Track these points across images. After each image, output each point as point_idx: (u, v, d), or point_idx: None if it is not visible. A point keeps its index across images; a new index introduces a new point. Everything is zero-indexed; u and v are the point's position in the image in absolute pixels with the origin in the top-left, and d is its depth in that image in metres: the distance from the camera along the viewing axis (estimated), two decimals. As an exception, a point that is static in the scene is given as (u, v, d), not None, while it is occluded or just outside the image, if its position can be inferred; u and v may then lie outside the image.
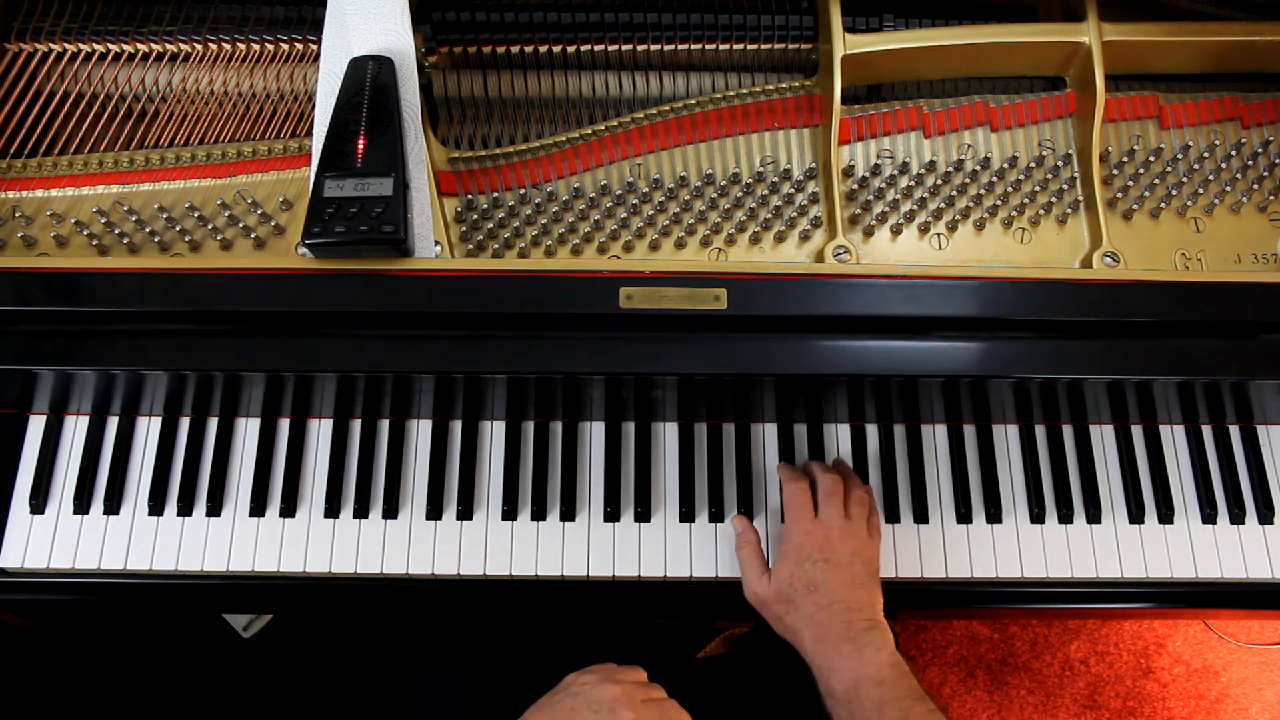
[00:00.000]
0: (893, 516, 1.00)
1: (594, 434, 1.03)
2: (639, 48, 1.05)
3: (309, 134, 1.00)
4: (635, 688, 0.85)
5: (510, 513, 0.99)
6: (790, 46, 1.05)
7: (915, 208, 1.02)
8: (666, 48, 1.05)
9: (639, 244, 1.00)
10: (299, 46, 1.03)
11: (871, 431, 1.03)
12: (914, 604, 1.01)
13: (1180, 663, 1.78)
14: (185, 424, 1.02)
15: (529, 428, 1.03)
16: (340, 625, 1.37)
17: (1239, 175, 1.04)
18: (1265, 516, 1.02)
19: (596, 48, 1.04)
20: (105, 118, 1.03)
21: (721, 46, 1.05)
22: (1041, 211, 1.02)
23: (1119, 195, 1.03)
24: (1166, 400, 1.00)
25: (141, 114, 1.04)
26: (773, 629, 0.92)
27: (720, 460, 1.01)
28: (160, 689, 1.31)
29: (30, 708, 1.26)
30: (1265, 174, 1.05)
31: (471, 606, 1.01)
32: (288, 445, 1.01)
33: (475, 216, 1.00)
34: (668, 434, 1.03)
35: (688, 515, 1.00)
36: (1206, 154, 1.04)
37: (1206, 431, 1.05)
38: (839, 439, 1.03)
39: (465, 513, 0.99)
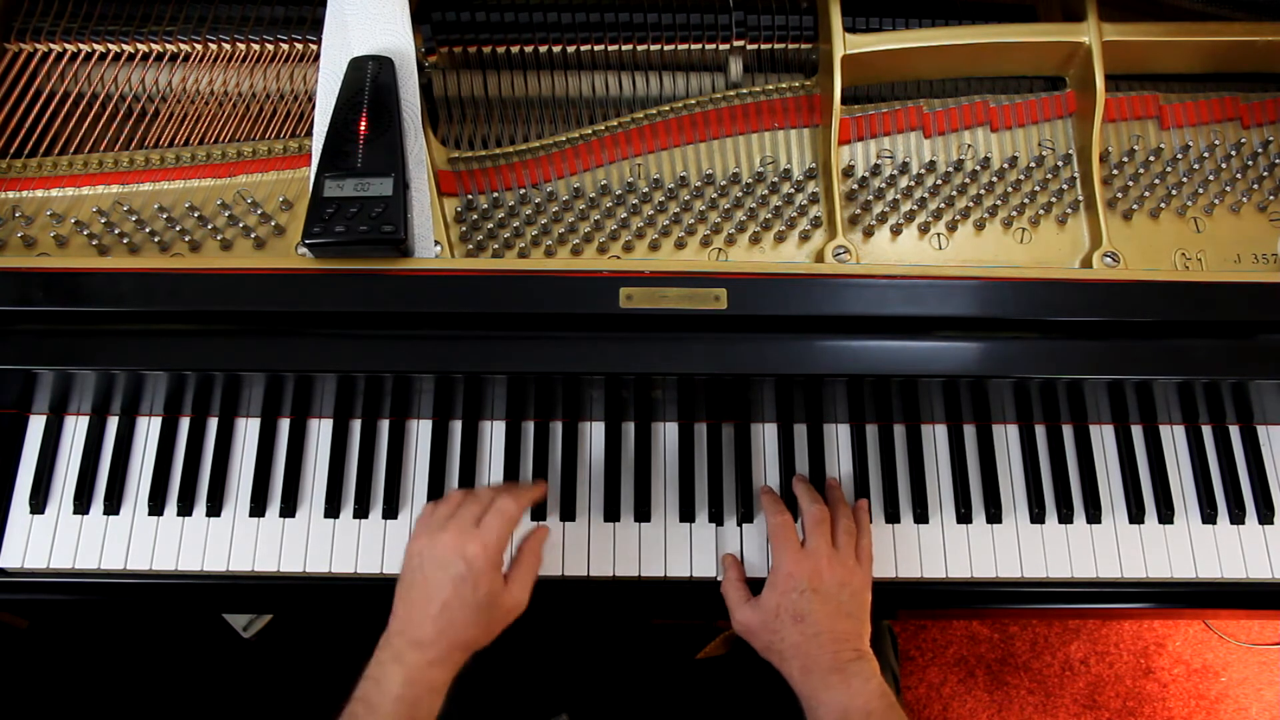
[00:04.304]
0: (893, 516, 1.00)
1: (594, 434, 1.03)
2: (639, 48, 1.05)
3: (309, 134, 1.00)
4: (460, 521, 0.84)
5: (510, 513, 0.99)
6: (790, 46, 1.05)
7: (915, 208, 1.02)
8: (666, 48, 1.05)
9: (639, 244, 1.00)
10: (299, 46, 1.03)
11: (871, 431, 1.03)
12: (914, 604, 1.01)
13: (1180, 663, 1.78)
14: (185, 424, 1.02)
15: (529, 427, 1.03)
16: (340, 625, 1.37)
17: (1239, 175, 1.04)
18: (1265, 516, 1.02)
19: (596, 48, 1.04)
20: (105, 118, 1.03)
21: (721, 46, 1.05)
22: (1041, 211, 1.02)
23: (1119, 195, 1.03)
24: (1166, 400, 1.00)
25: (141, 114, 1.04)
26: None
27: (720, 460, 1.01)
28: (160, 689, 1.31)
29: (30, 708, 1.26)
30: (1265, 174, 1.05)
31: (471, 606, 1.01)
32: (288, 445, 1.01)
33: (475, 216, 1.00)
34: (667, 434, 1.03)
35: (688, 515, 1.00)
36: (1206, 154, 1.04)
37: (1206, 431, 1.05)
38: (839, 439, 1.04)
39: (465, 513, 0.99)
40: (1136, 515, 1.01)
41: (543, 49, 1.04)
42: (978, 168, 1.03)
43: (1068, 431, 1.04)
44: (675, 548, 0.99)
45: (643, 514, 0.99)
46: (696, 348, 0.91)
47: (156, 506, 0.99)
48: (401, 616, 0.83)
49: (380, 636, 0.83)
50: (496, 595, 0.84)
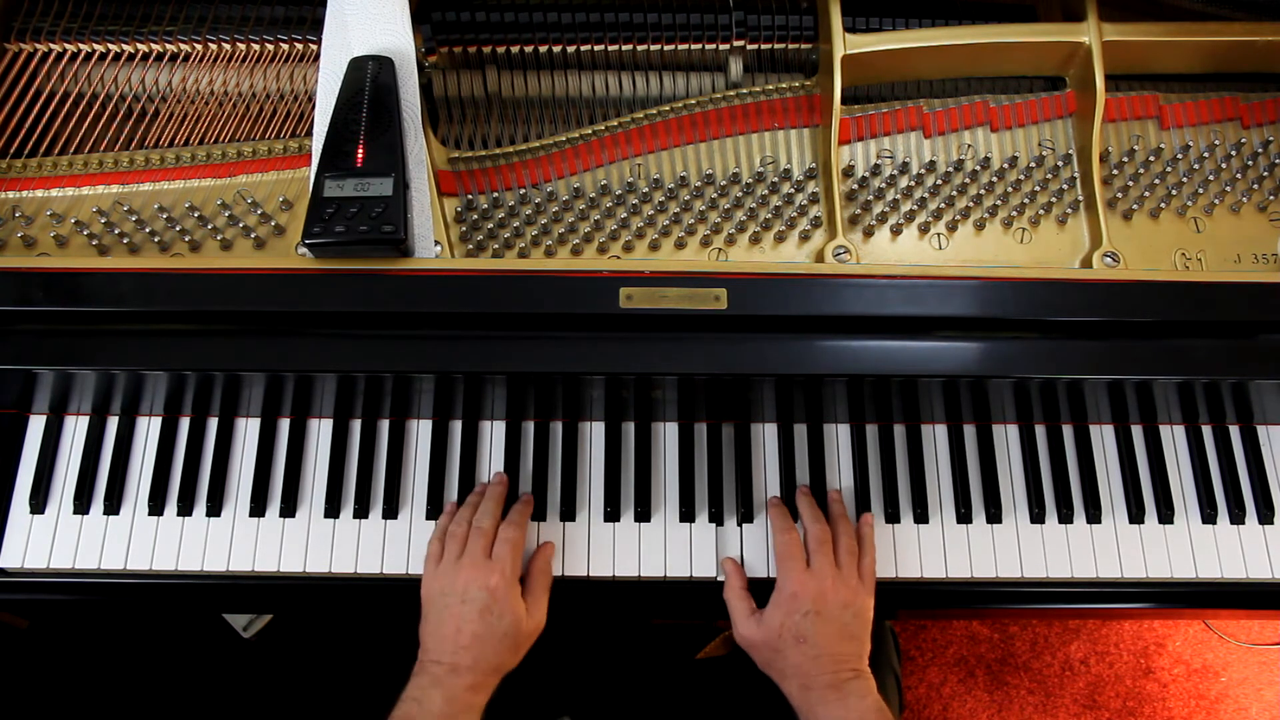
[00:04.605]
0: (893, 517, 1.00)
1: (594, 434, 1.03)
2: (639, 48, 1.05)
3: (309, 134, 1.00)
4: (474, 556, 0.90)
5: (510, 513, 0.99)
6: (790, 46, 1.05)
7: (915, 208, 1.02)
8: (666, 48, 1.05)
9: (639, 244, 1.00)
10: (299, 46, 1.03)
11: (871, 431, 1.03)
12: (914, 604, 1.01)
13: (1180, 663, 1.78)
14: (185, 424, 1.02)
15: (529, 427, 1.03)
16: (340, 625, 1.37)
17: (1239, 175, 1.04)
18: (1265, 516, 1.02)
19: (596, 48, 1.04)
20: (105, 118, 1.03)
21: (721, 46, 1.05)
22: (1041, 211, 1.02)
23: (1119, 195, 1.03)
24: (1166, 400, 1.00)
25: (141, 114, 1.04)
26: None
27: (720, 460, 1.01)
28: (160, 689, 1.31)
29: (30, 708, 1.26)
30: (1265, 174, 1.05)
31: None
32: (288, 445, 1.01)
33: (475, 216, 1.00)
34: (668, 434, 1.03)
35: (688, 515, 0.99)
36: (1206, 154, 1.04)
37: (1206, 431, 1.05)
38: (839, 439, 1.03)
39: (465, 513, 0.99)
40: (1136, 515, 1.01)
41: (543, 49, 1.04)
42: (978, 168, 1.03)
43: (1068, 431, 1.04)
44: (675, 548, 0.99)
45: (643, 514, 0.99)
46: (696, 348, 0.91)
47: (156, 506, 0.99)
48: (433, 649, 0.87)
49: (412, 662, 0.86)
50: (520, 620, 0.89)
